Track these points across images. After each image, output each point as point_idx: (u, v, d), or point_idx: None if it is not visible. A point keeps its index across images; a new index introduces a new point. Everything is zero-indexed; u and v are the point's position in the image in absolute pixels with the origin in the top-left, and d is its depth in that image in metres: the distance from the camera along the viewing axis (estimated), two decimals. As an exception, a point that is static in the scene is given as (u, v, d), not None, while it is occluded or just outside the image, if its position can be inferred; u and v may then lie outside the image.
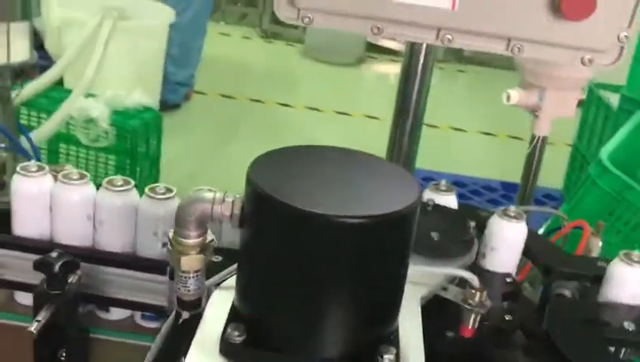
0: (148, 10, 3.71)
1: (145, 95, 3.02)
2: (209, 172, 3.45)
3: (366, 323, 0.72)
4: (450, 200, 1.08)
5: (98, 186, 1.01)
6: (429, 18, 1.04)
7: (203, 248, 0.76)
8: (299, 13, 1.06)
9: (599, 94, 3.02)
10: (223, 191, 0.74)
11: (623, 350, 0.93)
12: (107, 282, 0.99)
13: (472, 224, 0.99)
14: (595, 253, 1.18)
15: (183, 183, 1.22)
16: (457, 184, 3.60)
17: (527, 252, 1.06)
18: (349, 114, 4.48)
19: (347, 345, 0.71)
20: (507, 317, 0.96)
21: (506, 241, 1.01)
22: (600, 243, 1.20)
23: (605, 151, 1.64)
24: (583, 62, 1.06)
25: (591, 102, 3.12)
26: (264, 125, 4.09)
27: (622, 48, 1.06)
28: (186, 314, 0.80)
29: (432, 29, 1.06)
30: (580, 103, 1.35)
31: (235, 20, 5.69)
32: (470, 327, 0.88)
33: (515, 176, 3.59)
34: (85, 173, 1.01)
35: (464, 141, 4.31)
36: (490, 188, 3.43)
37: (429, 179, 3.49)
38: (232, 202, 0.73)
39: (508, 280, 1.01)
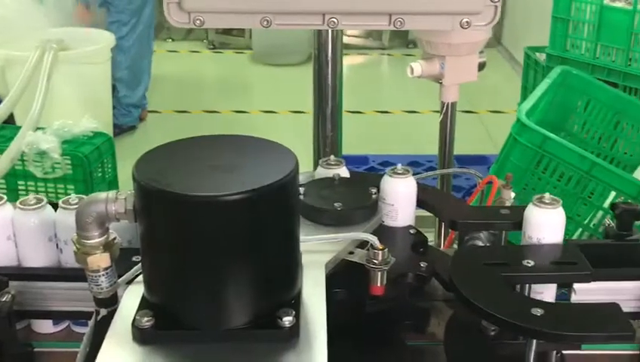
0: (87, 37, 3.75)
1: (93, 121, 3.05)
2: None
3: (263, 292, 0.77)
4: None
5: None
6: (313, 5, 1.10)
7: (106, 246, 0.81)
8: (189, 16, 1.12)
9: (534, 56, 3.09)
10: (116, 190, 0.79)
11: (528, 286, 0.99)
12: (39, 296, 1.03)
13: (374, 190, 1.05)
14: (508, 204, 1.25)
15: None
16: (414, 164, 3.69)
17: (433, 209, 1.12)
18: (304, 112, 4.55)
19: (248, 313, 0.76)
20: (422, 265, 1.01)
21: (397, 196, 1.07)
22: (512, 194, 1.27)
23: (523, 109, 1.71)
24: (462, 26, 1.13)
25: (528, 66, 3.20)
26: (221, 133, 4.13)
27: (496, 7, 1.13)
28: (103, 311, 0.85)
29: (318, 15, 1.12)
30: (482, 67, 1.41)
31: (182, 36, 5.73)
32: (379, 285, 0.94)
33: (470, 149, 3.70)
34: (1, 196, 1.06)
35: (418, 122, 4.39)
36: (445, 163, 3.49)
37: (387, 163, 3.57)
38: (125, 199, 0.78)
39: (411, 231, 1.07)
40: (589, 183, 1.66)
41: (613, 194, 1.63)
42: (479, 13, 1.11)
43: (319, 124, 1.57)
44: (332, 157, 1.17)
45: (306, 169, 1.15)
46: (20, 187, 2.99)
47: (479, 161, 3.55)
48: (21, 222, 1.04)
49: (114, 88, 4.00)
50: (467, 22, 1.12)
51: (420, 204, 1.13)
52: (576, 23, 2.50)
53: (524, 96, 3.27)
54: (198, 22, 1.12)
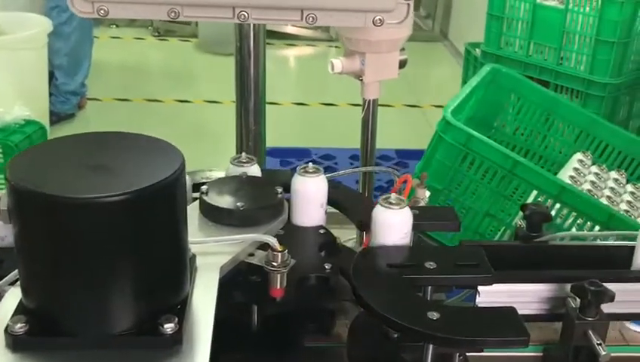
0: (23, 22, 3.64)
1: (26, 108, 2.97)
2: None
3: (144, 297, 0.74)
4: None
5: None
6: (221, -3, 1.07)
7: (-18, 248, 0.77)
8: (93, 6, 1.08)
9: (474, 53, 3.11)
10: (-8, 190, 0.76)
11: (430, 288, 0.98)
12: None
13: (280, 189, 1.03)
14: (422, 203, 1.24)
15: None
16: (355, 158, 3.67)
17: (343, 209, 1.10)
18: (248, 102, 4.50)
19: (128, 319, 0.74)
20: (327, 266, 0.99)
21: (307, 196, 1.05)
22: (427, 193, 1.26)
23: (449, 107, 1.71)
24: (374, 23, 1.11)
25: (468, 62, 3.22)
26: (164, 124, 4.07)
27: (408, 5, 1.11)
28: (-18, 316, 0.81)
29: (228, 8, 1.09)
30: (403, 64, 1.40)
31: (127, 22, 5.62)
32: (278, 287, 0.92)
33: (413, 144, 3.71)
34: None
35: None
36: (386, 157, 3.50)
37: (328, 156, 3.57)
38: (-2, 198, 0.74)
39: (321, 231, 1.05)
40: (512, 181, 1.67)
41: (535, 193, 1.65)
42: (391, 10, 1.10)
43: (242, 118, 1.55)
44: (243, 154, 1.14)
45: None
46: (-53, 175, 2.90)
47: (421, 155, 3.55)
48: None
49: (52, 75, 3.89)
50: (380, 19, 1.11)
51: (331, 203, 1.11)
52: (510, 21, 2.52)
53: (464, 90, 3.29)
54: (102, 12, 1.08)
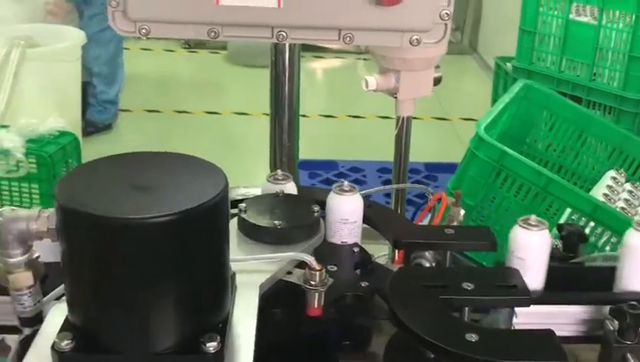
0: (57, 34, 3.71)
1: (60, 120, 3.02)
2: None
3: (188, 316, 0.75)
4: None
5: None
6: (260, 17, 1.08)
7: (29, 265, 0.79)
8: (135, 25, 1.09)
9: (504, 67, 3.10)
10: (39, 208, 0.77)
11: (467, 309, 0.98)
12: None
13: (316, 208, 1.04)
14: (456, 222, 1.24)
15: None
16: (383, 170, 3.66)
17: (377, 227, 1.11)
18: (277, 114, 4.53)
19: (171, 338, 0.75)
20: (363, 284, 1.00)
21: (343, 214, 1.05)
22: (462, 212, 1.26)
23: (482, 124, 1.71)
24: (411, 43, 1.12)
25: (498, 76, 3.21)
26: (193, 136, 4.11)
27: (446, 25, 1.12)
28: (27, 331, 0.83)
29: (266, 28, 1.11)
30: (438, 81, 1.40)
31: (157, 34, 5.68)
32: (316, 306, 0.93)
33: (442, 157, 3.70)
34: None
35: (391, 128, 4.39)
36: (415, 170, 3.50)
37: (356, 169, 3.57)
38: (47, 217, 0.76)
39: (355, 250, 1.06)
40: (545, 198, 1.66)
41: (568, 210, 1.64)
42: (429, 30, 1.10)
43: (276, 134, 1.56)
44: (279, 171, 1.15)
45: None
46: (-18, 185, 2.95)
47: (449, 168, 3.53)
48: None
49: (89, 84, 3.94)
50: (417, 39, 1.11)
51: (366, 220, 1.12)
52: (542, 36, 2.51)
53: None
54: (143, 31, 1.10)
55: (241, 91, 4.95)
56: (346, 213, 1.06)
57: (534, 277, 1.00)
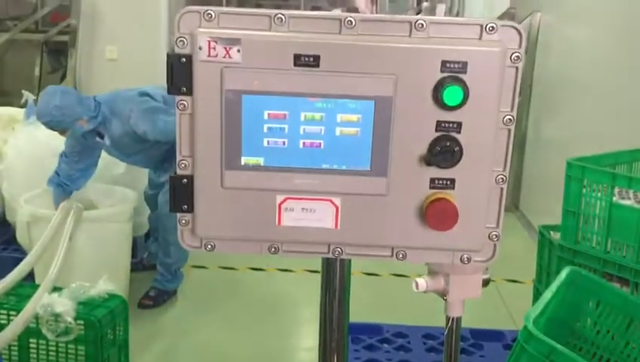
0: (112, 194, 3.88)
1: (110, 283, 3.10)
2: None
3: None
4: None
5: None
6: (317, 236, 1.15)
7: None
8: (201, 241, 1.17)
9: (549, 236, 3.12)
10: None
11: None
12: None
13: None
14: None
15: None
16: (428, 337, 3.60)
17: None
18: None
19: None
20: None
21: None
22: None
23: (530, 316, 1.72)
24: (462, 261, 1.17)
25: (543, 245, 3.22)
26: (239, 293, 4.17)
27: (495, 245, 1.17)
28: None
29: (323, 245, 1.17)
30: (486, 283, 1.43)
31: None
32: None
33: (486, 321, 3.65)
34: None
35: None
36: (462, 337, 3.44)
37: (401, 335, 3.52)
38: None
39: None
40: (597, 396, 1.63)
41: (623, 410, 1.60)
42: (479, 250, 1.15)
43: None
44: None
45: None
46: (31, 345, 3.00)
47: (495, 336, 3.49)
48: None
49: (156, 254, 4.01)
50: (467, 258, 1.16)
51: None
52: (587, 217, 2.55)
53: (539, 274, 3.28)
54: (209, 247, 1.17)
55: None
56: None
57: None
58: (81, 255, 3.47)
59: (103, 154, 3.78)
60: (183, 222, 1.15)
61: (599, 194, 2.48)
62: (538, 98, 5.61)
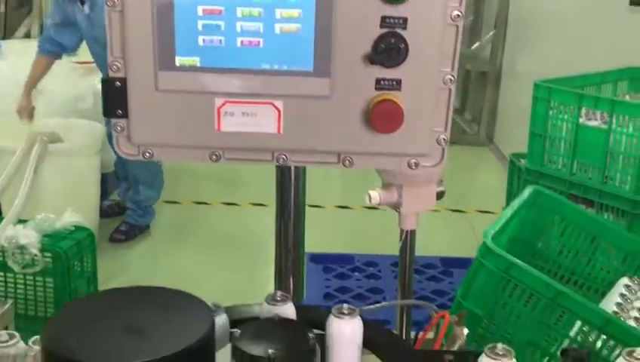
0: (79, 128, 3.80)
1: (76, 214, 3.06)
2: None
3: None
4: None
5: None
6: (260, 142, 1.11)
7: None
8: (139, 149, 1.12)
9: (519, 163, 3.11)
10: (30, 343, 0.78)
11: None
12: None
13: (311, 335, 1.02)
14: (459, 342, 1.22)
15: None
16: (396, 265, 3.62)
17: (376, 351, 1.09)
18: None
19: None
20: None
21: (342, 339, 1.03)
22: (465, 331, 1.24)
23: (489, 233, 1.70)
24: (409, 166, 1.13)
25: (512, 172, 3.22)
26: (211, 227, 4.16)
27: (443, 149, 1.13)
28: None
29: (267, 152, 1.13)
30: (441, 196, 1.41)
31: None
32: None
33: (457, 250, 3.66)
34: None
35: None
36: (431, 265, 3.47)
37: (372, 264, 3.53)
38: (34, 357, 0.76)
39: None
40: (555, 310, 1.63)
41: (578, 323, 1.61)
42: (427, 155, 1.12)
43: (281, 225, 1.47)
44: (278, 292, 1.15)
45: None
46: (-2, 278, 2.97)
47: (464, 264, 3.50)
48: None
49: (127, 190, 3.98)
50: (415, 163, 1.13)
51: (365, 343, 1.10)
52: (552, 139, 2.53)
53: (508, 200, 3.28)
54: (147, 154, 1.12)
55: (260, 183, 4.99)
56: (345, 336, 1.05)
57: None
58: (47, 188, 3.41)
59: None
60: (118, 128, 1.10)
61: (566, 116, 2.45)
62: (513, 33, 5.55)
